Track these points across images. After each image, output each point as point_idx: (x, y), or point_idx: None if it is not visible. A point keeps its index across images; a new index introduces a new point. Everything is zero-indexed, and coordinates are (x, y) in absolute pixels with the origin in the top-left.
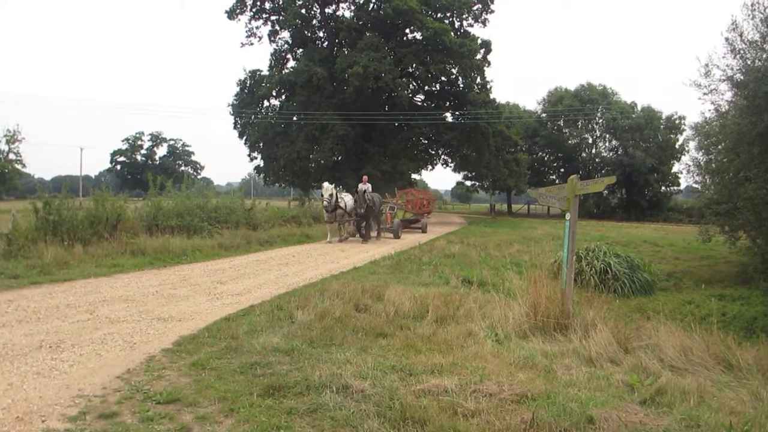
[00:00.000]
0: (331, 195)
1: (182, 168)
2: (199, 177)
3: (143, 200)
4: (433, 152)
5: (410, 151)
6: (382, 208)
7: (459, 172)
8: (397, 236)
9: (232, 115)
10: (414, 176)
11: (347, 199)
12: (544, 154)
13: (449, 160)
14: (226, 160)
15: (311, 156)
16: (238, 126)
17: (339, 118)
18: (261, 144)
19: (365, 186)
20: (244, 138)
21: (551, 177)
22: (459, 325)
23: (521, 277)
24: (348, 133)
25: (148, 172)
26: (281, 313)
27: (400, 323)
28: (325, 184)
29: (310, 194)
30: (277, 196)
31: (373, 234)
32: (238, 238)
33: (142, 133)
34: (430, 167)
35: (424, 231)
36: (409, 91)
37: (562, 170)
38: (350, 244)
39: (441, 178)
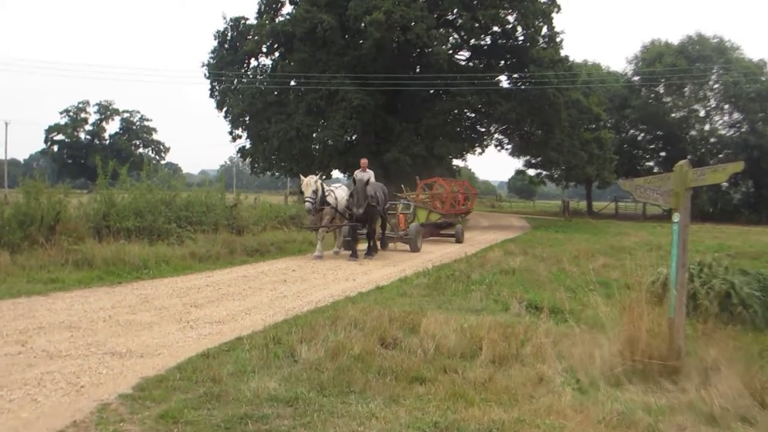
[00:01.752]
0: (315, 191)
1: (141, 150)
2: (163, 162)
3: (90, 193)
4: (483, 130)
5: (451, 129)
6: (392, 206)
7: (519, 157)
8: (415, 248)
9: (208, 78)
10: (456, 162)
11: (339, 194)
12: (637, 132)
13: (505, 141)
14: (200, 139)
15: (315, 134)
16: (216, 93)
17: (353, 84)
18: (247, 118)
19: (366, 174)
20: (224, 110)
21: (647, 164)
22: (525, 368)
23: (610, 302)
24: (365, 103)
25: (96, 154)
26: (279, 348)
27: (442, 364)
28: (307, 178)
29: None
30: (269, 189)
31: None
32: (217, 245)
33: (87, 103)
34: (478, 150)
35: (458, 240)
36: (450, 46)
37: (662, 154)
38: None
39: (494, 164)
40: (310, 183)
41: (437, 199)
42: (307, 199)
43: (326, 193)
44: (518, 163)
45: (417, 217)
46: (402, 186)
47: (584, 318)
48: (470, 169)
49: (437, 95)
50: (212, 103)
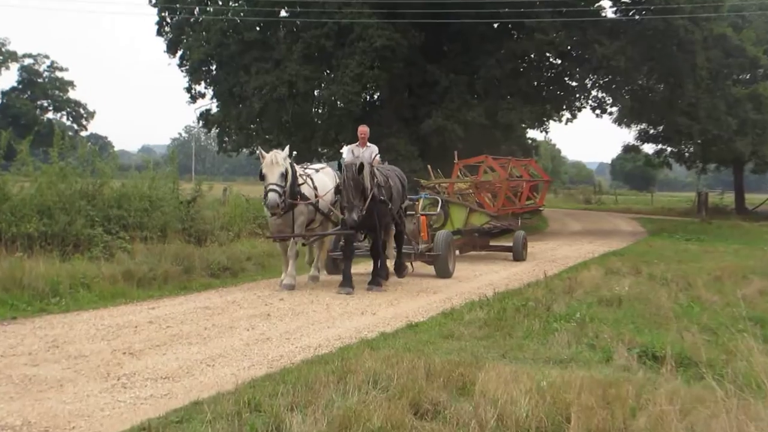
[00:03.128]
0: (284, 174)
1: (50, 115)
2: (85, 134)
3: None
4: (575, 84)
5: (525, 83)
6: (411, 204)
7: (629, 127)
8: (444, 272)
9: (155, 6)
10: (532, 134)
11: (320, 181)
12: None
13: (608, 101)
14: (141, 99)
15: (318, 92)
16: (167, 29)
17: (375, 14)
18: (214, 67)
19: (365, 150)
20: (179, 54)
21: None
22: None
23: None
24: (394, 43)
25: None
26: (258, 418)
27: None
28: (270, 153)
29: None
30: (246, 176)
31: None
32: (166, 260)
33: None
34: (566, 115)
35: (518, 257)
36: None
37: None
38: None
39: (590, 138)
40: (276, 160)
41: (485, 191)
42: (271, 186)
43: (301, 181)
44: (628, 136)
45: (451, 220)
46: (432, 169)
47: (731, 374)
48: (554, 144)
49: (504, 31)
50: (160, 44)
